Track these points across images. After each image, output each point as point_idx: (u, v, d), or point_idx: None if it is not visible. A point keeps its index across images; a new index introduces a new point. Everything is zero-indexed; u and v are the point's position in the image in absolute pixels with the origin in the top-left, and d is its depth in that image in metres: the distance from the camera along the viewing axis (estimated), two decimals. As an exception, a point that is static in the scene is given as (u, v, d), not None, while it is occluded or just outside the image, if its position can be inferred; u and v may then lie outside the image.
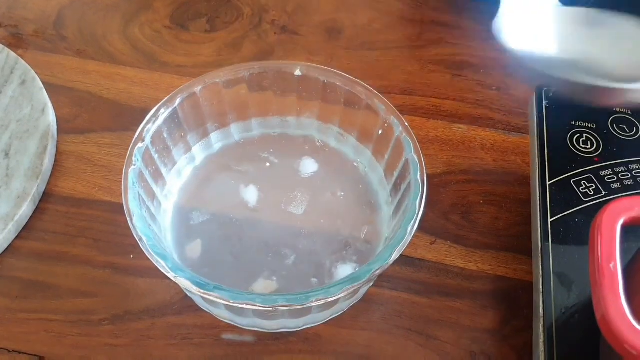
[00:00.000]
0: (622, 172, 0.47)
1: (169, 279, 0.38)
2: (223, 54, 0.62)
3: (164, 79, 0.59)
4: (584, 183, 0.46)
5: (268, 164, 0.50)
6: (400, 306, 0.47)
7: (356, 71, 0.60)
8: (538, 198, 0.46)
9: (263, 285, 0.44)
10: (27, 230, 0.49)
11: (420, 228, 0.49)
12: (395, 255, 0.39)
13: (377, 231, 0.47)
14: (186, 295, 0.45)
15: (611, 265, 0.28)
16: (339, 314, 0.45)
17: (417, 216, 0.41)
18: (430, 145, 0.56)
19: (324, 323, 0.45)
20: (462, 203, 0.52)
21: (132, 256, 0.48)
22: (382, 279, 0.48)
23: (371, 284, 0.46)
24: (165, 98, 0.46)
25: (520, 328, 0.45)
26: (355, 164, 0.50)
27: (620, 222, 0.30)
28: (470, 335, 0.45)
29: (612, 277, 0.28)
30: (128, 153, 0.43)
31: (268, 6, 0.66)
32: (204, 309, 0.45)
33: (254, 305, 0.37)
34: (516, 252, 0.49)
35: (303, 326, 0.44)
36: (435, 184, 0.53)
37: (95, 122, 0.56)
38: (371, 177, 0.49)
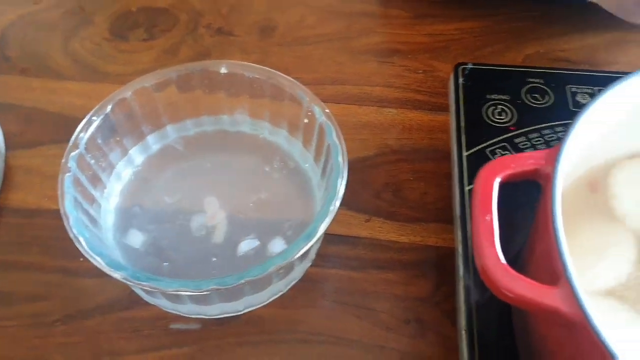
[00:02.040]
0: (535, 137, 0.50)
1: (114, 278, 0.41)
2: (161, 60, 0.65)
3: (106, 88, 0.61)
4: (498, 151, 0.49)
5: (205, 161, 0.52)
6: (338, 282, 0.49)
7: (289, 66, 0.63)
8: (456, 169, 0.49)
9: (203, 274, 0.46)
10: (-20, 243, 0.52)
11: (354, 208, 0.53)
12: (319, 232, 0.42)
13: (312, 214, 0.50)
14: (133, 290, 0.48)
15: (487, 218, 0.31)
16: (279, 294, 0.48)
17: (337, 195, 0.44)
18: (362, 130, 0.58)
19: (265, 305, 0.48)
20: (393, 181, 0.55)
21: (81, 259, 0.50)
22: (322, 259, 0.50)
23: (309, 263, 0.49)
24: (97, 106, 0.48)
25: (450, 293, 0.48)
26: (288, 154, 0.53)
27: (497, 179, 0.33)
28: (404, 304, 0.48)
29: (488, 228, 0.31)
30: (63, 161, 0.45)
31: (203, 11, 0.69)
32: (149, 302, 0.47)
33: (187, 291, 0.40)
34: (444, 222, 0.52)
35: (244, 309, 0.47)
36: (368, 165, 0.56)
37: (42, 136, 0.59)
38: (303, 165, 0.52)
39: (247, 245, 0.48)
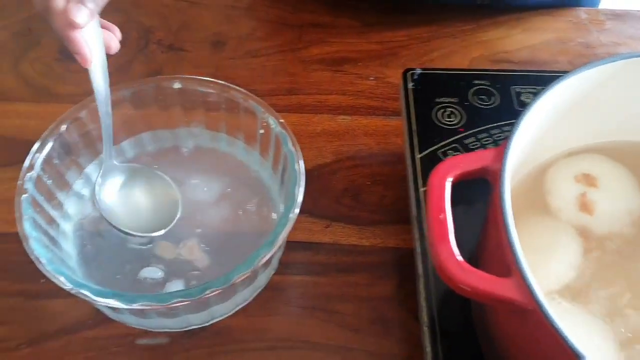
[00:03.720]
0: (484, 137, 0.52)
1: (77, 297, 0.41)
2: (114, 77, 0.63)
3: (58, 109, 0.60)
4: (450, 152, 0.51)
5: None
6: (303, 288, 0.50)
7: (242, 78, 0.64)
8: (410, 171, 0.50)
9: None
10: (-63, 271, 0.51)
11: (315, 214, 0.54)
12: (279, 241, 0.43)
13: (272, 222, 0.50)
14: (97, 309, 0.48)
15: (440, 216, 0.32)
16: (245, 303, 0.48)
17: (296, 202, 0.45)
18: (318, 137, 0.60)
19: (231, 315, 0.48)
20: (352, 187, 0.56)
21: (42, 280, 0.49)
22: (285, 266, 0.51)
23: (272, 271, 0.50)
24: (51, 126, 0.48)
25: (413, 291, 0.49)
26: (246, 164, 0.54)
27: (449, 178, 0.34)
28: (368, 304, 0.49)
29: (442, 226, 0.32)
30: (18, 182, 0.45)
31: (153, 27, 0.69)
32: (115, 319, 0.47)
33: (153, 306, 0.40)
34: (403, 223, 0.53)
35: (211, 320, 0.47)
36: (326, 172, 0.57)
37: (-6, 160, 0.58)
38: (262, 174, 0.53)
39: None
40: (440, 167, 0.35)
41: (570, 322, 0.33)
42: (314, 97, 0.63)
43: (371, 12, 0.70)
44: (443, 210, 0.33)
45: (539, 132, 0.40)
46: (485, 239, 0.38)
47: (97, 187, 0.48)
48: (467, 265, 0.32)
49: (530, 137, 0.39)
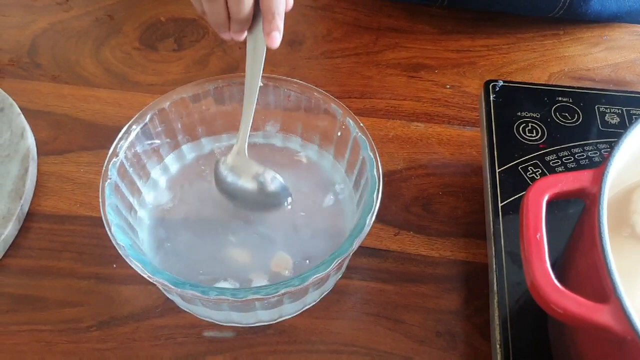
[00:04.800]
0: (565, 156, 0.51)
1: (150, 284, 0.41)
2: (191, 71, 0.65)
3: (136, 97, 0.63)
4: (530, 168, 0.50)
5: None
6: (369, 294, 0.50)
7: (317, 79, 0.64)
8: (489, 185, 0.49)
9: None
10: (13, 248, 0.52)
11: (384, 221, 0.54)
12: (355, 246, 0.43)
13: (342, 225, 0.50)
14: (167, 298, 0.48)
15: (537, 236, 0.32)
16: (312, 305, 0.48)
17: (375, 208, 0.44)
18: (390, 143, 0.59)
19: (298, 314, 0.48)
20: (423, 195, 0.55)
21: (114, 265, 0.51)
22: (351, 271, 0.51)
23: (340, 275, 0.50)
24: (137, 115, 0.49)
25: (481, 307, 0.49)
26: (320, 165, 0.54)
27: (545, 197, 0.33)
28: (435, 316, 0.49)
29: (538, 246, 0.31)
30: (104, 168, 0.46)
31: (232, 23, 0.70)
32: (184, 309, 0.48)
33: (228, 300, 0.40)
34: (474, 237, 0.52)
35: (278, 318, 0.47)
36: (397, 179, 0.56)
37: (73, 143, 0.59)
38: (334, 176, 0.53)
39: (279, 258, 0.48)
40: (538, 185, 0.34)
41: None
42: (387, 102, 0.62)
43: (448, 20, 0.69)
44: (540, 230, 0.32)
45: (634, 154, 0.39)
46: (573, 259, 0.37)
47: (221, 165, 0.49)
48: (562, 288, 0.31)
49: (625, 160, 0.38)
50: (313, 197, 0.52)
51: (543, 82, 0.63)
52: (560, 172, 0.50)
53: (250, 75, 0.48)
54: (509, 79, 0.61)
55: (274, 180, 0.48)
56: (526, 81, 0.62)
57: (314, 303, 0.48)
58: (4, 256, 0.51)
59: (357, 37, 0.68)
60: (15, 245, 0.52)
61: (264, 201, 0.50)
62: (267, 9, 0.45)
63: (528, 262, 0.31)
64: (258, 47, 0.48)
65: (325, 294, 0.49)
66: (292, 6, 0.48)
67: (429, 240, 0.53)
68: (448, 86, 0.64)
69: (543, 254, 0.31)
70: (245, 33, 0.48)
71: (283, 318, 0.47)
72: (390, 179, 0.57)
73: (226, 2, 0.45)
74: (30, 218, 0.54)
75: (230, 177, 0.49)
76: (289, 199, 0.49)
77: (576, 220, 0.39)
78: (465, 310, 0.49)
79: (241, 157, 0.49)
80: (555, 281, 0.31)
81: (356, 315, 0.49)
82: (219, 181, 0.49)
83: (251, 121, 0.48)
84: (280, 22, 0.46)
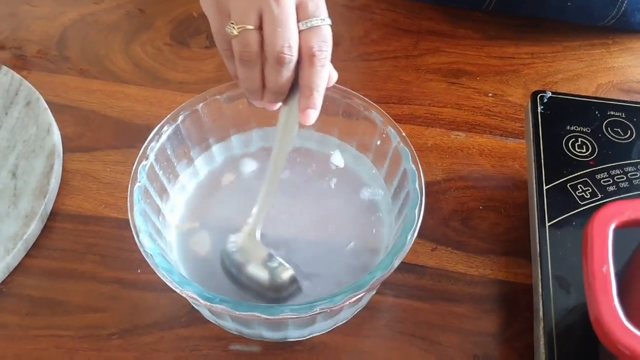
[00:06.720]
0: (617, 174, 0.48)
1: (175, 292, 0.39)
2: (223, 69, 0.62)
3: (166, 95, 0.60)
4: (580, 187, 0.47)
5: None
6: (403, 312, 0.48)
7: (354, 82, 0.62)
8: (535, 203, 0.46)
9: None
10: (36, 248, 0.50)
11: (421, 235, 0.50)
12: (395, 263, 0.40)
13: (379, 239, 0.48)
14: (193, 307, 0.46)
15: (604, 269, 0.29)
16: (344, 322, 0.46)
17: (417, 225, 0.42)
18: (429, 153, 0.56)
19: (329, 331, 0.46)
20: (462, 209, 0.53)
21: (139, 271, 0.49)
22: (385, 287, 0.48)
23: (374, 291, 0.47)
24: (168, 115, 0.47)
25: (522, 330, 0.46)
26: (357, 174, 0.51)
27: (612, 226, 0.31)
28: (472, 339, 0.46)
29: (605, 280, 0.29)
30: (133, 171, 0.44)
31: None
32: (211, 320, 0.46)
33: (259, 317, 0.38)
34: (516, 256, 0.50)
35: (308, 335, 0.45)
36: (435, 191, 0.54)
37: (100, 140, 0.57)
38: (372, 187, 0.50)
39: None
40: (603, 213, 0.31)
41: None
42: (426, 109, 0.60)
43: (492, 25, 0.67)
44: (606, 262, 0.29)
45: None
46: (635, 291, 0.34)
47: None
48: (631, 328, 0.28)
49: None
50: (346, 206, 0.49)
51: (590, 94, 0.60)
52: (612, 191, 0.47)
53: (277, 149, 0.43)
54: (554, 89, 0.58)
55: (283, 270, 0.43)
56: (572, 92, 0.59)
57: (346, 320, 0.46)
58: (25, 256, 0.50)
59: (396, 39, 0.66)
60: (37, 246, 0.50)
61: (272, 295, 0.44)
62: (307, 85, 0.41)
63: (593, 297, 0.29)
64: (291, 121, 0.43)
65: (358, 310, 0.47)
66: (335, 82, 0.44)
67: (468, 257, 0.50)
68: (490, 94, 0.61)
69: (610, 289, 0.29)
70: (280, 104, 0.43)
71: (313, 335, 0.45)
72: (428, 191, 0.53)
73: (262, 70, 0.41)
74: (53, 217, 0.52)
75: (237, 258, 0.44)
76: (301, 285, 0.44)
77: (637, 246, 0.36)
78: (504, 333, 0.46)
79: (252, 239, 0.44)
80: (624, 319, 0.28)
81: (389, 334, 0.47)
82: (226, 264, 0.45)
83: (271, 203, 0.43)
84: (319, 100, 0.41)
